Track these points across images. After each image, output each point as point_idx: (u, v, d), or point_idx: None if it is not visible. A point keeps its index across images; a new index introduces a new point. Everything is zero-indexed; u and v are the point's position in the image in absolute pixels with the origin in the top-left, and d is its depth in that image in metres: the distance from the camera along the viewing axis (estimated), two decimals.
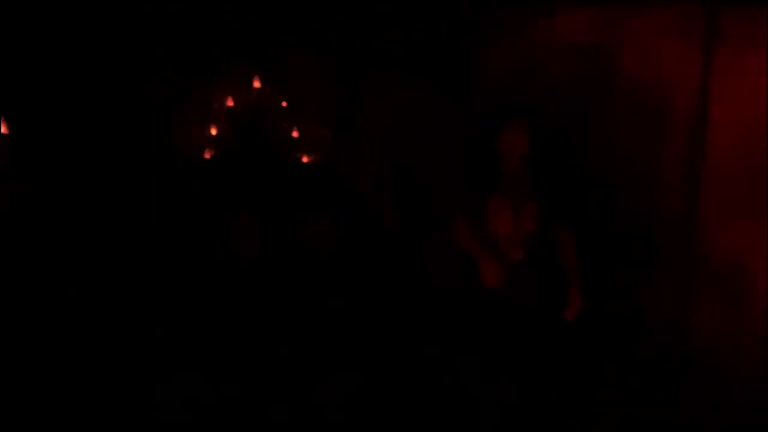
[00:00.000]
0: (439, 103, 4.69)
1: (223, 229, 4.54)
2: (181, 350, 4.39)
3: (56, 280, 4.33)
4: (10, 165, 4.19)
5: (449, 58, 4.69)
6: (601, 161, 4.56)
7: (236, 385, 4.34)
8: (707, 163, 4.45)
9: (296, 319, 4.45)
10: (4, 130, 4.24)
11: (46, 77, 4.39)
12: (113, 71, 4.45)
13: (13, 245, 4.26)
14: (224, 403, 4.31)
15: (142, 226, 4.51)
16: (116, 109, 4.48)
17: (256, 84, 4.54)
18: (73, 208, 4.41)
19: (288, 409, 4.28)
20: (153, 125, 4.51)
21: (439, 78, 4.68)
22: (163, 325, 4.39)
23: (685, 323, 4.47)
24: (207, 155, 4.54)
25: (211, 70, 4.54)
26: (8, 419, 4.02)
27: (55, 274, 4.33)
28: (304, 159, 4.62)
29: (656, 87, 4.51)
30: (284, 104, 4.58)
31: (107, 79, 4.46)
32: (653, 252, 4.53)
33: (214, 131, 4.54)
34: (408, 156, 4.72)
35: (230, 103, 4.54)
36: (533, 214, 4.04)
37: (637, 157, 4.55)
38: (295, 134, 4.61)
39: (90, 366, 4.27)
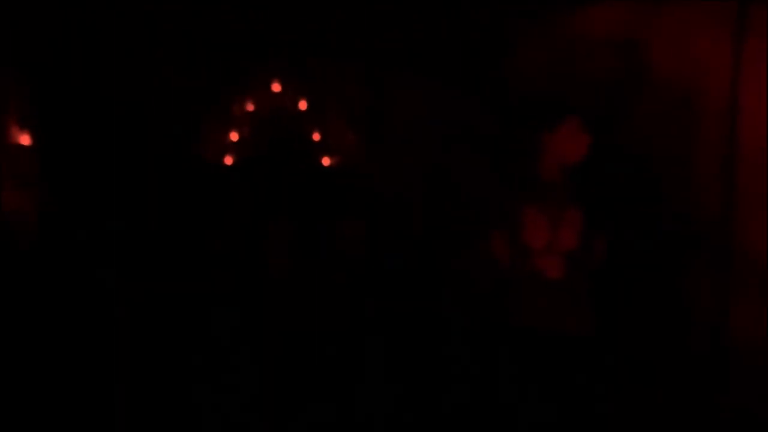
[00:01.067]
0: (469, 104, 4.58)
1: (252, 235, 4.53)
2: (212, 356, 4.40)
3: (73, 285, 4.37)
4: (36, 174, 4.26)
5: (479, 57, 4.58)
6: (635, 158, 4.42)
7: (268, 391, 4.34)
8: (741, 156, 4.28)
9: (329, 322, 4.43)
10: (26, 141, 4.30)
11: (68, 84, 4.42)
12: (134, 80, 4.45)
13: (33, 253, 4.31)
14: (256, 408, 4.31)
15: (166, 233, 4.52)
16: (139, 116, 4.48)
17: (276, 88, 4.51)
18: (92, 216, 4.44)
19: (323, 413, 4.26)
20: (176, 131, 4.50)
21: (470, 78, 4.57)
22: (194, 332, 4.40)
23: (724, 322, 4.33)
24: (228, 161, 4.53)
25: (233, 74, 4.50)
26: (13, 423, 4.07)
27: (72, 281, 4.37)
28: (325, 162, 4.58)
29: (688, 80, 4.33)
30: (304, 107, 4.53)
31: (129, 87, 4.47)
32: (690, 249, 4.39)
33: (235, 137, 4.53)
34: (437, 159, 4.64)
35: (251, 107, 4.52)
36: (575, 225, 3.60)
37: (672, 153, 4.37)
38: (316, 137, 4.57)
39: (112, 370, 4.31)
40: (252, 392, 4.31)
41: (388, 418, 4.30)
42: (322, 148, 4.58)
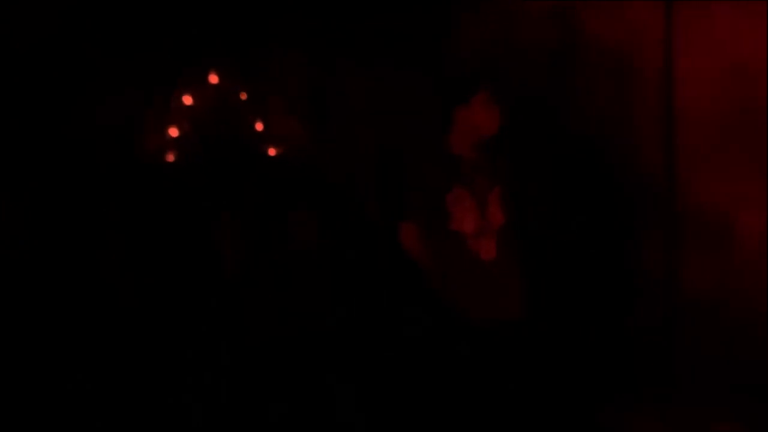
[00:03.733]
0: (414, 86, 4.53)
1: (200, 233, 4.37)
2: (168, 358, 4.23)
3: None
4: None
5: (419, 39, 4.55)
6: (574, 125, 4.50)
7: (225, 393, 4.21)
8: (680, 116, 4.43)
9: (286, 319, 4.33)
10: None
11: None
12: (71, 80, 4.21)
13: None
14: (216, 409, 4.17)
15: (112, 236, 4.31)
16: (77, 118, 4.25)
17: (213, 79, 4.36)
18: (32, 220, 4.19)
19: (284, 414, 4.16)
20: (115, 130, 4.29)
21: (412, 61, 4.52)
22: (146, 335, 4.23)
23: (673, 280, 4.46)
24: (170, 158, 4.35)
25: (168, 68, 4.32)
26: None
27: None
28: (271, 152, 4.46)
29: (622, 44, 4.48)
30: (244, 97, 4.40)
31: (64, 87, 4.22)
32: (635, 211, 4.50)
33: (174, 132, 4.35)
34: (387, 144, 4.57)
35: (189, 101, 4.36)
36: (502, 202, 3.53)
37: (611, 118, 4.52)
38: (259, 127, 4.45)
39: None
40: (216, 392, 4.18)
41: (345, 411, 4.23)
42: (267, 139, 4.46)
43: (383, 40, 4.51)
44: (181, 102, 4.35)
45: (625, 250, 4.50)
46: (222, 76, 4.38)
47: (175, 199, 4.36)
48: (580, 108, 4.51)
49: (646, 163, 4.47)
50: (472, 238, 3.47)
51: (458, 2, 4.58)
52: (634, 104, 4.48)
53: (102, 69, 4.25)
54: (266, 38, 4.41)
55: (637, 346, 4.44)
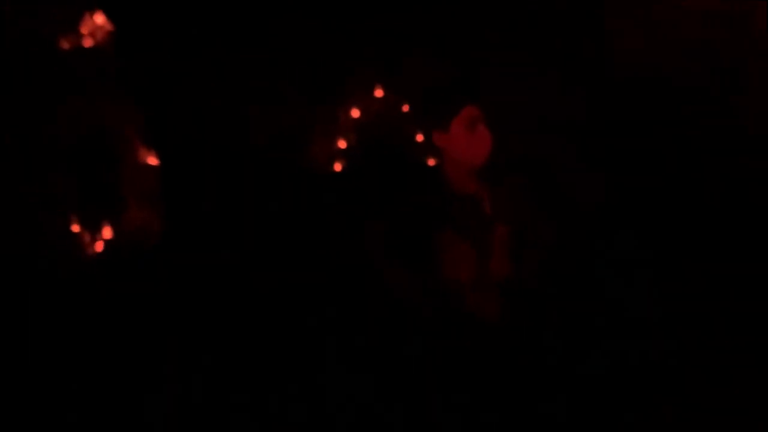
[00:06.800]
0: (572, 92, 4.33)
1: (355, 239, 4.51)
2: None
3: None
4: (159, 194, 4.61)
5: (577, 40, 4.34)
6: (741, 133, 3.94)
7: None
8: None
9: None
10: (154, 161, 4.70)
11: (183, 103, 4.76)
12: (248, 96, 4.71)
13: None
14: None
15: (277, 245, 4.62)
16: (252, 131, 4.72)
17: (378, 93, 4.57)
18: (210, 230, 4.64)
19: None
20: (282, 143, 4.69)
21: (570, 64, 4.32)
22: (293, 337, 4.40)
23: None
24: (337, 168, 4.62)
25: (334, 81, 4.63)
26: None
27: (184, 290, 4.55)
28: (431, 163, 4.49)
29: None
30: (406, 109, 4.53)
31: (243, 103, 4.73)
32: None
33: (343, 144, 4.62)
34: (540, 154, 4.38)
35: (356, 114, 4.61)
36: (506, 246, 3.03)
37: None
38: (419, 138, 4.53)
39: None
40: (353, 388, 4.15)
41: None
42: (426, 150, 4.50)
43: (533, 47, 4.35)
44: (349, 114, 4.62)
45: None
46: (386, 89, 4.56)
47: (339, 204, 4.57)
48: (747, 114, 3.92)
49: None
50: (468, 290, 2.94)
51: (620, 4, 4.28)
52: None
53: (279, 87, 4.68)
54: (420, 51, 4.51)
55: None
